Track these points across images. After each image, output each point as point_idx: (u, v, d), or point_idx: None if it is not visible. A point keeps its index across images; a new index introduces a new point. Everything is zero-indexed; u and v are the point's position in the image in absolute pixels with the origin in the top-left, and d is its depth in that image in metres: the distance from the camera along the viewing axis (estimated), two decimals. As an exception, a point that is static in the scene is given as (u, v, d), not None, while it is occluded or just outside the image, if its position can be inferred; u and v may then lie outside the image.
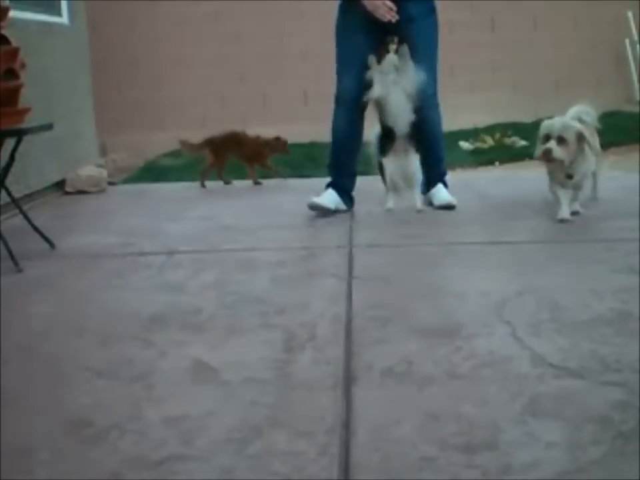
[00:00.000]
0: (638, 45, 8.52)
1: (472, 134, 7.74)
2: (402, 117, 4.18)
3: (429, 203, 4.32)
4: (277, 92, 8.41)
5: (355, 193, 4.42)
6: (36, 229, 3.76)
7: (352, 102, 4.22)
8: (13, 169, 3.64)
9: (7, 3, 3.74)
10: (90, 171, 5.51)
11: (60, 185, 5.38)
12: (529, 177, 4.95)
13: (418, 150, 4.25)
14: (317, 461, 1.67)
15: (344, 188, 4.37)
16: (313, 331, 2.46)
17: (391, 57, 4.15)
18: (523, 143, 7.45)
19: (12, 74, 3.47)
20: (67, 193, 5.37)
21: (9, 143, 3.60)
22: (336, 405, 1.94)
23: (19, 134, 3.55)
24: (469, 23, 8.34)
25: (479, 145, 7.48)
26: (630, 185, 4.55)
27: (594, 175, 4.15)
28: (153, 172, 6.87)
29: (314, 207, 4.19)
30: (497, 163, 6.93)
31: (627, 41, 8.46)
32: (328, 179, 4.43)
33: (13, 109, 3.50)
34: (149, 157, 7.49)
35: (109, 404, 2.02)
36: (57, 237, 3.82)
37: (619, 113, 8.00)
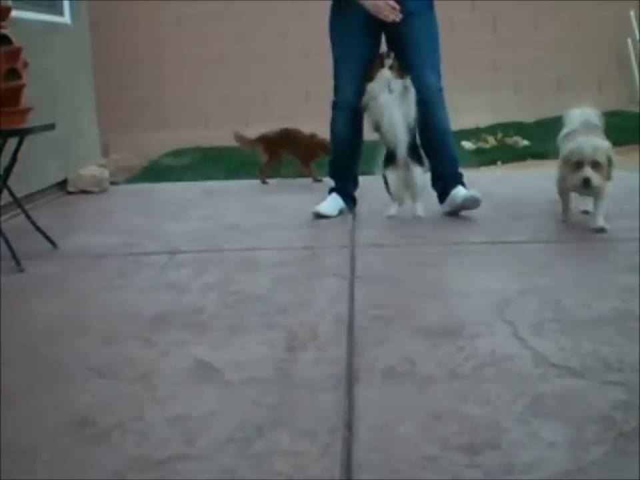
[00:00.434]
0: (640, 45, 8.52)
1: (474, 134, 7.74)
2: (399, 137, 4.02)
3: (450, 207, 4.08)
4: (279, 91, 8.41)
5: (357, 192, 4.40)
6: (38, 228, 3.77)
7: (350, 109, 4.13)
8: (15, 169, 3.64)
9: (8, 3, 3.74)
10: (92, 170, 5.51)
11: (62, 185, 5.39)
12: (531, 177, 4.95)
13: (421, 162, 4.11)
14: (319, 461, 1.67)
15: (346, 192, 4.34)
16: (315, 331, 2.46)
17: (385, 73, 4.00)
18: (525, 142, 7.44)
19: (14, 74, 3.47)
20: (69, 193, 5.38)
21: (12, 142, 3.60)
22: (338, 404, 1.94)
23: (22, 134, 3.55)
24: (470, 22, 8.33)
25: (480, 144, 7.48)
26: (631, 184, 4.54)
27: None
28: (155, 172, 6.87)
29: (319, 217, 4.13)
30: (499, 163, 6.93)
31: (629, 41, 8.45)
32: (328, 179, 4.46)
33: (16, 109, 3.51)
34: (151, 157, 7.50)
35: (111, 404, 2.02)
36: (59, 236, 3.82)
37: (621, 112, 7.98)
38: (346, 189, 4.34)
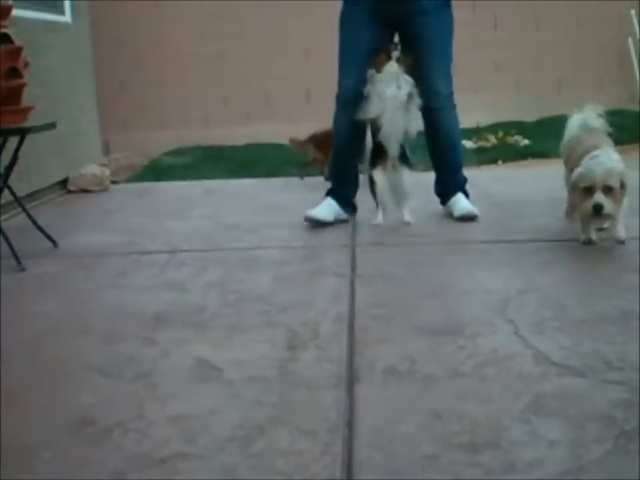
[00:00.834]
0: (641, 44, 8.51)
1: (474, 133, 7.74)
2: (396, 137, 3.83)
3: (449, 215, 4.00)
4: (279, 90, 8.41)
5: (358, 193, 4.21)
6: (39, 227, 3.77)
7: (353, 103, 3.84)
8: (16, 168, 3.64)
9: (9, 2, 3.75)
10: (93, 169, 5.51)
11: (63, 184, 5.39)
12: (532, 176, 4.95)
13: (409, 164, 3.91)
14: (319, 460, 1.67)
15: (344, 196, 4.08)
16: (315, 330, 2.46)
17: (392, 66, 3.77)
18: (526, 141, 7.44)
19: (15, 73, 3.47)
20: (70, 192, 5.38)
21: (12, 141, 3.60)
22: (339, 403, 1.94)
23: (22, 133, 3.55)
24: (471, 21, 8.32)
25: (481, 143, 7.48)
26: (633, 184, 4.53)
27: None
28: (155, 171, 6.87)
29: (310, 220, 3.90)
30: (499, 162, 6.93)
31: (630, 40, 8.45)
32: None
33: (16, 108, 3.51)
34: (152, 156, 7.50)
35: (112, 402, 2.02)
36: (59, 235, 3.82)
37: (621, 111, 7.97)
38: (344, 191, 4.09)
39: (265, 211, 4.43)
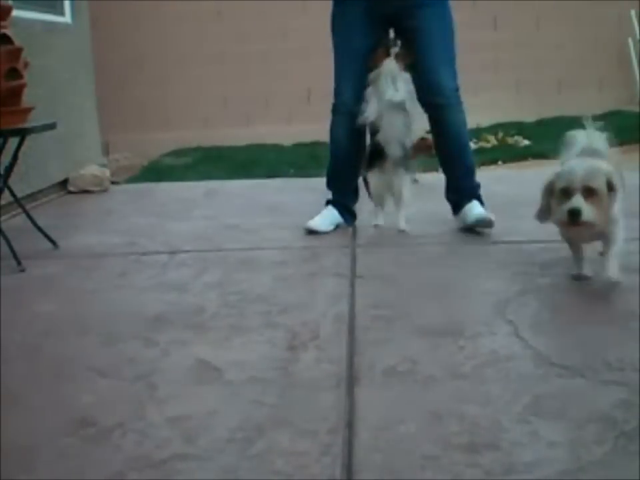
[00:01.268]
0: (641, 44, 8.52)
1: (475, 133, 7.73)
2: (396, 139, 3.66)
3: (462, 224, 3.74)
4: (279, 91, 8.41)
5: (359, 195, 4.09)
6: (39, 228, 3.77)
7: (350, 114, 3.69)
8: (16, 168, 3.64)
9: (9, 3, 3.75)
10: (93, 170, 5.51)
11: (63, 185, 5.39)
12: (532, 177, 4.94)
13: (408, 168, 3.75)
14: (319, 461, 1.67)
15: (344, 205, 3.93)
16: (315, 330, 2.46)
17: (390, 64, 3.61)
18: (526, 142, 7.45)
19: (15, 73, 3.47)
20: (70, 193, 5.38)
21: (12, 142, 3.60)
22: (339, 404, 1.94)
23: (22, 133, 3.55)
24: (471, 22, 8.32)
25: (482, 144, 7.49)
26: (633, 184, 4.54)
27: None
28: (155, 171, 6.87)
29: (310, 232, 3.77)
30: (499, 162, 6.93)
31: (630, 40, 8.45)
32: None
33: (16, 108, 3.51)
34: (152, 157, 7.50)
35: (112, 403, 2.02)
36: (60, 236, 3.82)
37: (621, 112, 7.99)
38: (344, 201, 3.94)
39: (265, 212, 4.43)
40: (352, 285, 2.96)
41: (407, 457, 1.67)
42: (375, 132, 3.71)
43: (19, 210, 3.87)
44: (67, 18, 5.73)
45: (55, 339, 2.53)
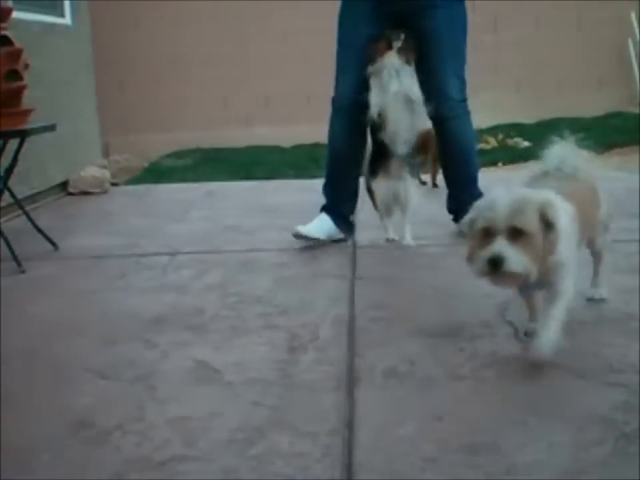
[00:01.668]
0: (641, 46, 8.52)
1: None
2: (402, 134, 3.43)
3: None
4: (279, 92, 8.41)
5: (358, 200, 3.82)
6: (39, 229, 3.77)
7: (350, 107, 3.49)
8: (15, 170, 3.64)
9: (9, 4, 3.75)
10: (93, 171, 5.52)
11: (63, 186, 5.39)
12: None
13: (415, 174, 3.58)
14: (320, 462, 1.67)
15: (340, 213, 3.65)
16: (315, 332, 2.46)
17: (391, 57, 3.39)
18: (526, 143, 7.44)
19: (15, 75, 3.47)
20: (70, 194, 5.38)
21: (12, 143, 3.60)
22: (339, 405, 1.94)
23: (22, 135, 3.55)
24: (471, 23, 8.33)
25: (482, 145, 7.48)
26: (633, 185, 4.54)
27: (598, 257, 2.64)
28: (155, 173, 6.88)
29: (298, 237, 3.51)
30: (500, 164, 6.93)
31: (630, 42, 8.45)
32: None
33: (16, 110, 3.51)
34: (151, 158, 7.50)
35: (112, 405, 2.02)
36: (59, 237, 3.82)
37: (621, 113, 8.00)
38: (340, 207, 3.66)
39: (264, 213, 4.43)
40: (352, 287, 2.96)
41: (407, 458, 1.67)
42: (378, 129, 3.46)
43: (19, 211, 3.87)
44: (67, 19, 5.74)
45: (54, 340, 2.53)
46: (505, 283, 2.12)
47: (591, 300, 2.61)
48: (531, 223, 1.96)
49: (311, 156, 7.05)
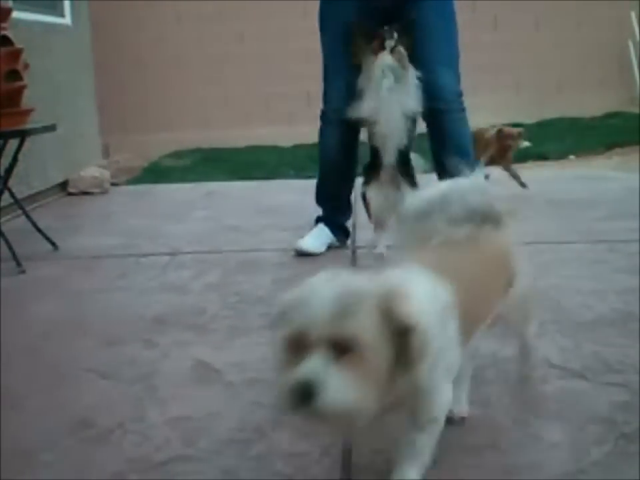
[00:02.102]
0: (641, 46, 8.52)
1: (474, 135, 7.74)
2: (393, 140, 3.25)
3: None
4: (279, 92, 8.41)
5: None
6: (39, 229, 3.77)
7: (341, 118, 3.29)
8: (15, 170, 3.65)
9: (9, 4, 3.75)
10: (93, 171, 5.52)
11: (63, 186, 5.39)
12: (532, 178, 4.94)
13: (412, 182, 3.30)
14: (320, 462, 1.67)
15: (336, 222, 3.58)
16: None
17: (385, 58, 3.20)
18: (526, 143, 7.43)
19: (15, 75, 3.48)
20: (70, 194, 5.38)
21: (12, 143, 3.61)
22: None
23: (22, 135, 3.55)
24: (471, 23, 8.33)
25: (481, 145, 7.48)
26: (633, 185, 4.54)
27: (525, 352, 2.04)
28: (155, 173, 6.87)
29: (302, 254, 3.40)
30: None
31: (630, 42, 8.45)
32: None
33: (16, 110, 3.51)
34: (151, 158, 7.50)
35: (112, 404, 2.02)
36: (59, 238, 3.82)
37: (621, 113, 7.99)
38: (336, 219, 3.59)
39: (264, 213, 4.43)
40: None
41: (407, 458, 1.66)
42: (370, 134, 3.31)
43: (19, 211, 3.87)
44: (67, 19, 5.74)
45: (54, 341, 2.53)
46: (321, 426, 1.39)
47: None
48: (365, 330, 1.23)
49: (310, 156, 7.02)
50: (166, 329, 2.56)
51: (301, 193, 5.02)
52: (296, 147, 7.80)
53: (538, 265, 3.12)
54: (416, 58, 3.24)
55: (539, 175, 5.57)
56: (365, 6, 3.24)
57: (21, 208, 3.80)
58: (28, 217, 3.77)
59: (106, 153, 7.07)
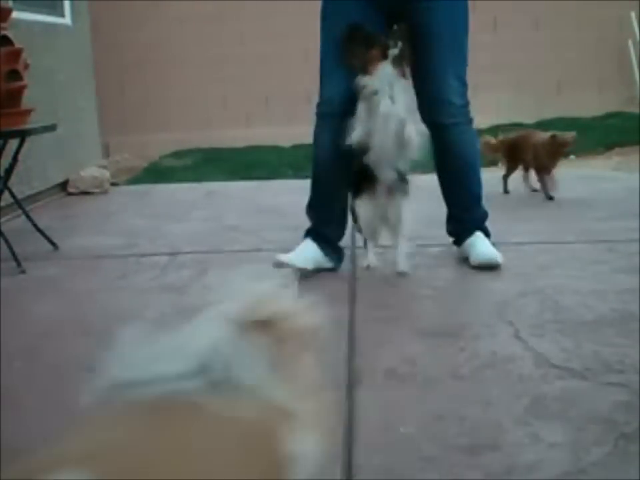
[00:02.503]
0: (641, 46, 8.52)
1: (474, 135, 7.74)
2: (390, 160, 3.01)
3: (464, 259, 3.18)
4: (279, 93, 8.41)
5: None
6: (39, 230, 3.77)
7: (338, 115, 3.00)
8: (16, 170, 3.65)
9: (9, 4, 3.75)
10: (93, 171, 5.52)
11: (63, 186, 5.39)
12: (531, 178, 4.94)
13: (406, 191, 3.06)
14: (319, 462, 1.67)
15: (327, 238, 3.20)
16: (315, 332, 2.46)
17: (386, 68, 2.92)
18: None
19: (15, 75, 3.48)
20: (70, 194, 5.38)
21: (12, 143, 3.61)
22: (339, 405, 1.94)
23: (23, 135, 3.55)
24: (471, 22, 8.34)
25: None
26: (633, 185, 4.54)
27: None
28: (155, 173, 6.87)
29: (279, 267, 2.97)
30: (499, 164, 6.93)
31: (630, 42, 8.45)
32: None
33: (16, 110, 3.51)
34: (152, 158, 7.50)
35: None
36: (59, 238, 3.82)
37: (621, 113, 7.99)
38: (327, 232, 3.22)
39: (264, 213, 4.43)
40: (352, 287, 2.96)
41: (407, 458, 1.67)
42: (362, 152, 3.01)
43: (19, 211, 3.87)
44: (67, 19, 5.74)
45: (54, 340, 2.53)
46: None
47: None
48: None
49: (310, 156, 7.04)
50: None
51: (301, 193, 4.99)
52: (295, 147, 7.80)
53: (538, 265, 3.13)
54: (421, 67, 3.01)
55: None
56: (369, 6, 2.99)
57: (21, 208, 3.80)
58: (28, 217, 3.77)
59: (106, 152, 7.07)
